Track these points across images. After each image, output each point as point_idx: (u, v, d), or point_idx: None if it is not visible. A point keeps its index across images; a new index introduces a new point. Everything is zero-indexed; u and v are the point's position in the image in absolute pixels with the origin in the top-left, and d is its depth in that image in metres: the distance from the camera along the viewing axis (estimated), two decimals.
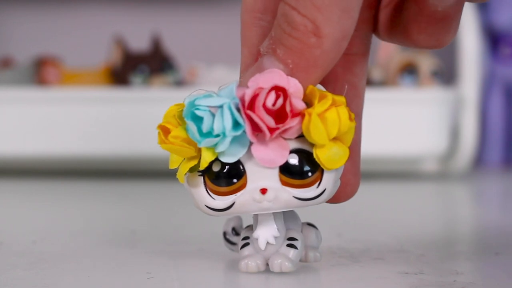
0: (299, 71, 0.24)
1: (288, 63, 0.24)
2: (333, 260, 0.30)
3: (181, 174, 0.25)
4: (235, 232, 0.29)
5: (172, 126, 0.25)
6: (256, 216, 0.26)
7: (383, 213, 0.48)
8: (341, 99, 0.24)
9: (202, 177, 0.25)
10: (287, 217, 0.27)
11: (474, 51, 0.70)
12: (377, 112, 0.65)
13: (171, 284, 0.26)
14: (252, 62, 0.26)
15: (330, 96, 0.24)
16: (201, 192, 0.25)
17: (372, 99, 0.68)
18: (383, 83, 0.70)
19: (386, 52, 0.72)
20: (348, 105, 0.26)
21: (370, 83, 0.70)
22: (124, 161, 0.68)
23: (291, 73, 0.24)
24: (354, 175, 0.27)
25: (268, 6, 0.26)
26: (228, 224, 0.29)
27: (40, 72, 0.70)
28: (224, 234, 0.29)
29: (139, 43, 0.73)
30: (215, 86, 0.25)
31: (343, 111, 0.24)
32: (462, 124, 0.70)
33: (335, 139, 0.24)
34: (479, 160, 0.84)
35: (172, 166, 0.25)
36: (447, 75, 0.74)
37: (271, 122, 0.23)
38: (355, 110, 0.27)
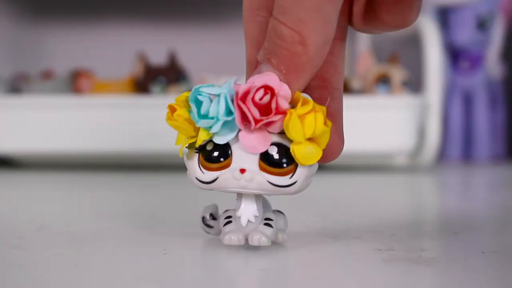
0: (291, 75, 0.24)
1: (281, 69, 0.24)
2: (319, 239, 0.30)
3: (179, 149, 0.26)
4: (212, 217, 0.29)
5: (178, 107, 0.25)
6: (240, 198, 0.26)
7: (361, 200, 0.48)
8: (321, 108, 0.24)
9: (197, 154, 0.26)
10: (263, 204, 0.27)
11: (438, 64, 0.70)
12: (356, 115, 0.65)
13: (183, 258, 0.26)
14: (253, 52, 0.27)
15: (311, 102, 0.24)
16: (194, 166, 0.26)
17: (353, 105, 0.68)
18: (361, 91, 0.70)
19: (364, 65, 0.72)
20: (330, 80, 0.27)
21: (350, 91, 0.70)
22: (145, 157, 0.68)
23: (284, 77, 0.24)
24: (338, 137, 0.27)
25: (263, 4, 0.26)
26: (206, 211, 0.29)
27: (76, 82, 0.70)
28: (203, 218, 0.29)
29: (158, 58, 0.73)
30: None
31: (320, 117, 0.24)
32: (427, 125, 0.70)
33: (311, 140, 0.25)
34: (442, 155, 0.84)
35: (177, 143, 0.26)
36: (415, 84, 0.74)
37: (256, 113, 0.24)
38: (336, 84, 0.27)
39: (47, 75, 0.75)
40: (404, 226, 0.35)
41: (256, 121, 0.24)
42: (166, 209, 0.42)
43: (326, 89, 0.27)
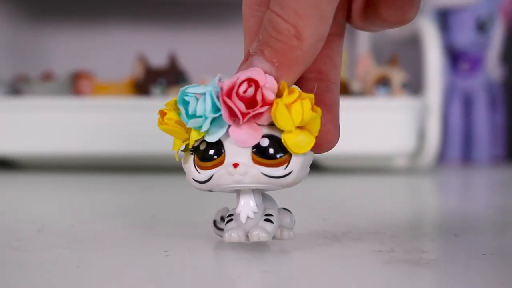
0: (283, 68, 0.24)
1: (274, 62, 0.24)
2: (319, 240, 0.30)
3: (176, 153, 0.26)
4: (223, 220, 0.29)
5: (168, 110, 0.26)
6: (238, 195, 0.26)
7: (362, 201, 0.48)
8: (309, 95, 0.24)
9: (192, 156, 0.26)
10: (266, 200, 0.27)
11: (438, 66, 0.70)
12: (356, 117, 0.66)
13: (184, 260, 0.26)
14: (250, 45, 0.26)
15: (297, 91, 0.24)
16: (191, 168, 0.26)
17: (353, 106, 0.68)
18: (361, 93, 0.70)
19: (364, 67, 0.72)
20: (327, 74, 0.27)
21: (350, 93, 0.70)
22: (145, 158, 0.68)
23: (276, 70, 0.24)
24: (334, 126, 0.27)
25: None
26: (217, 214, 0.29)
27: (76, 84, 0.70)
28: (214, 222, 0.29)
29: (158, 59, 0.73)
30: None
31: (307, 103, 0.24)
32: (427, 127, 0.70)
33: (302, 128, 0.25)
34: (442, 157, 0.84)
35: (174, 148, 0.26)
36: (415, 86, 0.75)
37: (242, 107, 0.24)
38: (334, 78, 0.27)
39: (47, 76, 0.75)
40: (404, 228, 0.35)
41: (243, 115, 0.24)
42: (167, 210, 0.42)
43: (323, 82, 0.27)
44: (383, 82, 0.69)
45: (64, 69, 0.82)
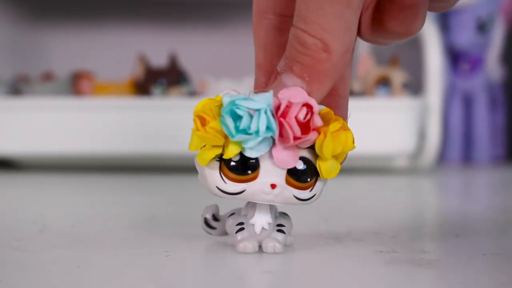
0: (314, 83, 0.24)
1: (304, 77, 0.24)
2: (321, 241, 0.30)
3: (204, 159, 0.25)
4: (215, 218, 0.29)
5: (209, 118, 0.24)
6: (254, 206, 0.26)
7: (363, 202, 0.48)
8: (346, 125, 0.25)
9: (218, 163, 0.25)
10: (273, 210, 0.27)
11: (438, 66, 0.70)
12: (357, 118, 0.65)
13: (185, 261, 0.26)
14: (260, 55, 0.27)
15: (341, 120, 0.24)
16: (214, 175, 0.25)
17: (353, 107, 0.68)
18: (362, 93, 0.70)
19: (364, 67, 0.72)
20: (336, 88, 0.27)
21: (351, 93, 0.69)
22: (146, 159, 0.68)
23: (307, 85, 0.24)
24: None
25: (269, 6, 0.26)
26: (208, 211, 0.29)
27: (76, 84, 0.70)
28: (205, 220, 0.29)
29: (159, 60, 0.73)
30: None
31: (350, 136, 0.25)
32: (428, 127, 0.70)
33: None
34: (442, 157, 0.84)
35: (192, 149, 0.25)
36: (415, 86, 0.74)
37: (298, 131, 0.24)
38: (343, 93, 0.28)
39: (47, 76, 0.75)
40: (405, 228, 0.35)
41: (296, 139, 0.24)
42: (168, 210, 0.42)
43: (332, 97, 0.27)
44: (384, 83, 0.69)
45: (64, 69, 0.82)
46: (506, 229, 0.36)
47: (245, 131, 0.24)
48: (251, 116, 0.24)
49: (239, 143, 0.24)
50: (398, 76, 0.70)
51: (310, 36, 0.24)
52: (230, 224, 0.27)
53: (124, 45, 0.92)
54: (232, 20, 0.94)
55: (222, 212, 0.29)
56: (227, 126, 0.24)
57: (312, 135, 0.24)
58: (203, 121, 0.24)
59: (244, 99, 0.24)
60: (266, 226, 0.26)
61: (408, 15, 0.26)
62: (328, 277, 0.24)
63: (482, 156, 0.85)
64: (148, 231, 0.32)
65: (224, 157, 0.25)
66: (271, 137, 0.24)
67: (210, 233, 0.29)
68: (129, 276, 0.23)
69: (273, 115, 0.24)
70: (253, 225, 0.26)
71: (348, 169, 0.70)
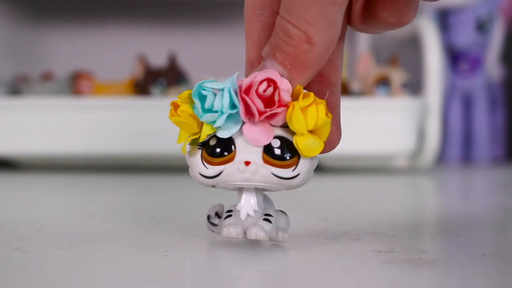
0: (294, 71, 0.25)
1: (286, 65, 0.25)
2: (319, 240, 0.30)
3: (184, 146, 0.26)
4: (218, 216, 0.29)
5: (181, 103, 0.26)
6: (240, 193, 0.26)
7: (362, 202, 0.48)
8: (322, 101, 0.25)
9: (200, 150, 0.26)
10: (265, 202, 0.27)
11: (437, 66, 0.70)
12: (356, 117, 0.66)
13: (184, 261, 0.26)
14: (252, 51, 0.27)
15: (312, 95, 0.25)
16: (197, 162, 0.26)
17: (352, 106, 0.68)
18: (361, 93, 0.70)
19: (364, 67, 0.72)
20: (328, 76, 0.27)
21: (350, 93, 0.70)
22: (145, 159, 0.68)
23: (288, 73, 0.25)
24: (336, 128, 0.27)
25: (266, 3, 0.27)
26: (212, 209, 0.30)
27: (76, 84, 0.70)
28: (208, 217, 0.29)
29: (158, 60, 0.73)
30: None
31: (322, 108, 0.25)
32: (427, 127, 0.70)
33: (313, 132, 0.25)
34: (442, 157, 0.84)
35: (179, 141, 0.26)
36: (414, 86, 0.75)
37: (260, 105, 0.24)
38: (335, 81, 0.28)
39: (47, 76, 0.76)
40: (404, 228, 0.35)
41: (260, 113, 0.24)
42: (167, 210, 0.42)
43: (324, 84, 0.27)
44: (383, 82, 0.69)
45: (64, 69, 0.82)
46: (505, 229, 0.36)
47: (210, 110, 0.25)
48: (215, 96, 0.25)
49: (210, 125, 0.25)
50: (397, 76, 0.70)
51: (294, 27, 0.24)
52: (223, 215, 0.27)
53: (123, 45, 0.92)
54: (232, 20, 0.94)
55: None
56: (196, 108, 0.25)
57: (279, 109, 0.24)
58: (175, 107, 0.26)
59: (211, 81, 0.25)
60: (252, 213, 0.26)
61: (401, 5, 0.26)
62: (327, 277, 0.24)
63: (482, 156, 0.85)
64: (148, 231, 0.32)
65: (200, 140, 0.25)
66: (240, 116, 0.25)
67: (213, 231, 0.30)
68: (128, 276, 0.23)
69: (236, 94, 0.25)
70: (239, 211, 0.26)
71: (348, 169, 0.70)
